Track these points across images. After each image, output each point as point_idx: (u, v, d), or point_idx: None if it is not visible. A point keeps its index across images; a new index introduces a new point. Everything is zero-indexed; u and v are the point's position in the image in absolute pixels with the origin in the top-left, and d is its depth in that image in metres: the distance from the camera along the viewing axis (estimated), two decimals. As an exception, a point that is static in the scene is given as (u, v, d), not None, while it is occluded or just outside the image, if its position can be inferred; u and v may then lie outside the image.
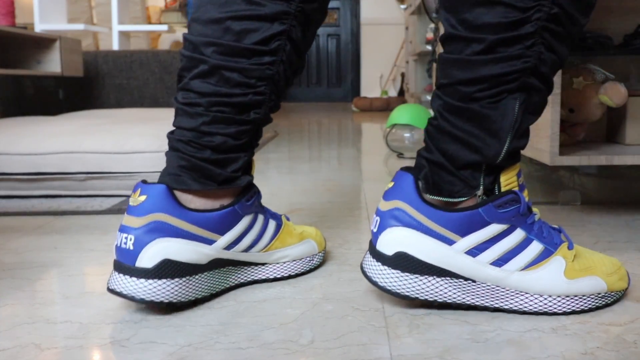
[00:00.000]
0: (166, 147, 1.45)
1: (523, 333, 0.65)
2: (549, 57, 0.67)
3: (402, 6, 5.31)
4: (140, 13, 3.96)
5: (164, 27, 3.59)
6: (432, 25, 3.04)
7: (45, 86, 2.71)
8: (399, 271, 0.70)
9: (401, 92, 5.39)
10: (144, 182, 0.72)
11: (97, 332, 0.67)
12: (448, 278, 0.70)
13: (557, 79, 1.09)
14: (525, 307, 0.70)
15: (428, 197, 0.71)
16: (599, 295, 0.71)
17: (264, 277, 0.82)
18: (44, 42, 2.44)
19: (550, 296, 0.70)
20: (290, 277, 0.83)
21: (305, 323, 0.69)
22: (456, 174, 0.70)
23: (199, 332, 0.66)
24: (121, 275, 0.70)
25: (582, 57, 1.27)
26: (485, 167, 0.70)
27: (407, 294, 0.70)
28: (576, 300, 0.70)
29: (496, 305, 0.71)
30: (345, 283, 0.82)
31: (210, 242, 0.74)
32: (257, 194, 0.80)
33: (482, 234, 0.69)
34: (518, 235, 0.70)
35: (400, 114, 2.24)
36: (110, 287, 0.71)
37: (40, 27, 3.13)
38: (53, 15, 3.24)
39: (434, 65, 2.93)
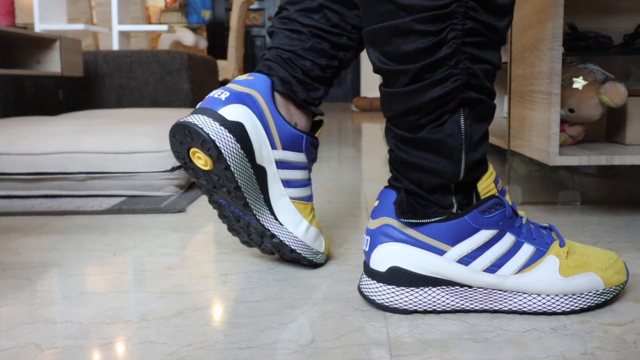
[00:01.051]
0: (166, 147, 1.46)
1: (523, 333, 0.65)
2: (479, 68, 0.66)
3: (402, 6, 5.30)
4: (140, 13, 3.96)
5: (164, 27, 3.59)
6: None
7: (45, 86, 2.71)
8: (394, 286, 0.71)
9: (401, 92, 5.39)
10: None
11: (97, 332, 0.67)
12: (444, 287, 0.70)
13: (557, 78, 1.09)
14: (524, 307, 0.70)
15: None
16: (598, 292, 0.71)
17: (272, 231, 0.83)
18: (44, 42, 2.44)
19: (548, 295, 0.70)
20: (293, 254, 0.84)
21: (305, 323, 0.69)
22: (428, 198, 0.70)
23: (199, 332, 0.66)
24: (199, 115, 0.76)
25: (582, 57, 1.27)
26: (453, 186, 0.70)
27: (406, 307, 0.71)
28: (575, 298, 0.70)
29: (495, 308, 0.71)
30: (345, 283, 0.82)
31: (274, 145, 0.81)
32: (316, 155, 0.89)
33: (472, 241, 0.69)
34: (508, 239, 0.70)
35: (400, 114, 2.24)
36: (180, 121, 0.76)
37: (40, 27, 3.13)
38: (53, 15, 3.24)
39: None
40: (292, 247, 0.84)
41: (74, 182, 1.43)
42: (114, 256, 0.96)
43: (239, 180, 0.77)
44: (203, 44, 5.07)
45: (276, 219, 0.83)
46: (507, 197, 0.72)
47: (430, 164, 0.69)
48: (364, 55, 6.07)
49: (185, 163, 0.80)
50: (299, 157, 0.84)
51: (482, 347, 0.62)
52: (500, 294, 0.70)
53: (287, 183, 0.83)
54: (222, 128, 0.75)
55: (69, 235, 1.10)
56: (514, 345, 0.62)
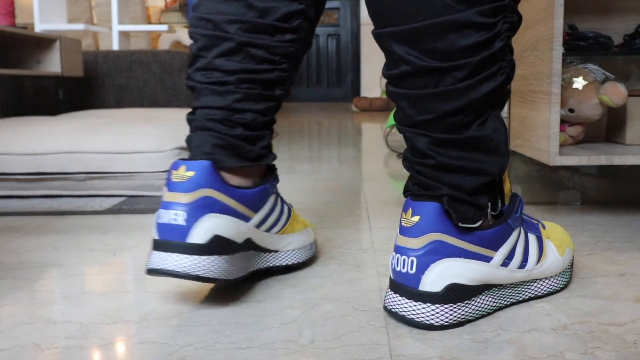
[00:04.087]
0: (166, 147, 1.45)
1: (523, 333, 0.65)
2: (514, 61, 0.67)
3: (402, 6, 5.30)
4: (140, 13, 3.96)
5: (164, 27, 3.59)
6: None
7: (45, 86, 2.71)
8: (451, 305, 0.66)
9: (401, 92, 5.39)
10: (182, 159, 0.73)
11: (97, 332, 0.67)
12: (486, 291, 0.70)
13: (557, 78, 1.09)
14: (538, 293, 0.75)
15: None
16: (572, 262, 0.80)
17: (277, 264, 0.83)
18: (44, 42, 2.44)
19: (551, 277, 0.76)
20: (298, 265, 0.86)
21: (305, 323, 0.69)
22: (469, 200, 0.68)
23: (199, 332, 0.66)
24: (169, 253, 0.68)
25: (582, 57, 1.27)
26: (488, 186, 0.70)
27: (461, 320, 0.67)
28: (565, 273, 0.78)
29: (519, 299, 0.74)
30: (345, 283, 0.82)
31: (247, 219, 0.75)
32: (277, 176, 0.83)
33: (509, 243, 0.71)
34: (521, 234, 0.73)
35: (400, 114, 2.24)
36: (154, 267, 0.69)
37: (40, 27, 3.13)
38: (53, 15, 3.24)
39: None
40: (298, 261, 0.86)
41: (74, 182, 1.43)
42: (114, 256, 0.96)
43: (237, 276, 0.74)
44: (203, 44, 5.06)
45: (274, 251, 0.83)
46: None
47: (476, 164, 0.66)
48: (363, 55, 6.08)
49: None
50: (270, 201, 0.79)
51: (482, 347, 0.62)
52: (523, 286, 0.74)
53: (269, 228, 0.80)
54: (203, 257, 0.68)
55: (69, 235, 1.10)
56: (514, 345, 0.62)
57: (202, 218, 0.69)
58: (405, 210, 0.68)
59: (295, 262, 0.86)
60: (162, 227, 0.70)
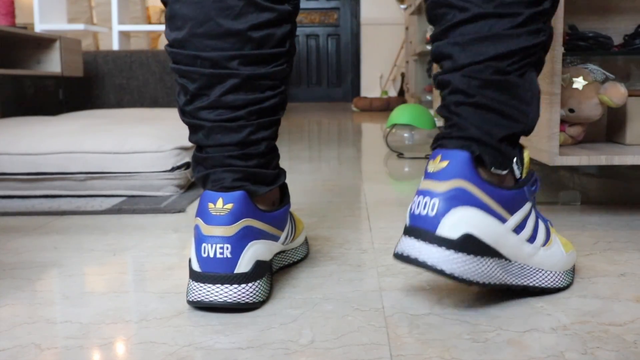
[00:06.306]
0: (166, 147, 1.45)
1: (523, 333, 0.65)
2: (552, 29, 0.73)
3: (402, 6, 5.30)
4: (140, 13, 3.96)
5: (164, 27, 3.59)
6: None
7: (45, 86, 2.71)
8: (464, 254, 0.67)
9: (401, 92, 5.39)
10: (214, 191, 0.73)
11: (97, 332, 0.67)
12: (496, 259, 0.70)
13: (557, 78, 1.09)
14: (542, 283, 0.75)
15: (482, 172, 0.71)
16: (574, 267, 0.80)
17: (287, 263, 0.87)
18: (44, 42, 2.45)
19: (556, 272, 0.76)
20: (302, 259, 0.92)
21: (305, 323, 0.69)
22: (498, 147, 0.71)
23: (199, 332, 0.66)
24: (217, 285, 0.71)
25: (582, 57, 1.27)
26: (515, 140, 0.74)
27: (471, 278, 0.68)
28: (568, 273, 0.78)
29: (525, 284, 0.74)
30: (345, 283, 0.82)
31: (277, 238, 0.79)
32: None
33: (522, 211, 0.73)
34: (532, 211, 0.75)
35: (400, 114, 2.24)
36: (201, 300, 0.71)
37: (40, 27, 3.13)
38: (53, 15, 3.24)
39: (435, 65, 2.92)
40: (302, 256, 0.92)
41: (74, 182, 1.43)
42: (114, 256, 0.96)
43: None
44: (203, 44, 5.05)
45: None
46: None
47: (511, 109, 0.71)
48: (363, 55, 6.08)
49: None
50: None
51: (482, 347, 0.62)
52: (529, 269, 0.74)
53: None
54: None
55: (69, 235, 1.10)
56: (514, 345, 0.62)
57: (246, 248, 0.72)
58: (433, 157, 0.71)
59: (301, 257, 0.91)
60: (207, 261, 0.71)
